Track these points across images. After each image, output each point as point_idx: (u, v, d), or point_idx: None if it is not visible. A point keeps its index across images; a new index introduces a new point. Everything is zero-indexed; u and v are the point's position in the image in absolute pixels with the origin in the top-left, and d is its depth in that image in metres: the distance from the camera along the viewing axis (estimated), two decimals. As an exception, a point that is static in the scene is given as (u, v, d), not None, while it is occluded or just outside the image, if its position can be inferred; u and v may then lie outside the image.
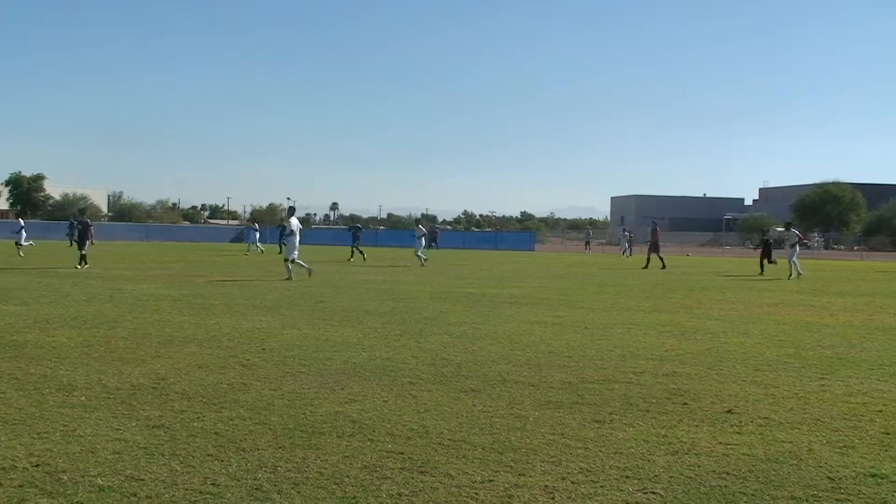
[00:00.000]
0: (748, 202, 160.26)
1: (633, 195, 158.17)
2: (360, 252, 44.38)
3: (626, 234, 67.59)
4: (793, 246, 33.88)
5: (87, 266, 29.80)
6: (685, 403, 8.49)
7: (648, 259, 41.43)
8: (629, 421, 7.67)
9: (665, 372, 10.29)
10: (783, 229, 36.22)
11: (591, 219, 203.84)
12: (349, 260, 42.33)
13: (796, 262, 33.88)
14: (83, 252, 30.52)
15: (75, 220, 40.17)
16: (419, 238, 40.25)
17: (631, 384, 9.43)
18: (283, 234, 41.41)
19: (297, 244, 26.28)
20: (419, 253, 39.34)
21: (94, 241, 32.20)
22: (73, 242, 42.75)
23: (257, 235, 56.19)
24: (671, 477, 5.99)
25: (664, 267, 40.00)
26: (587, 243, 79.75)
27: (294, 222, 26.72)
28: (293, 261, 26.12)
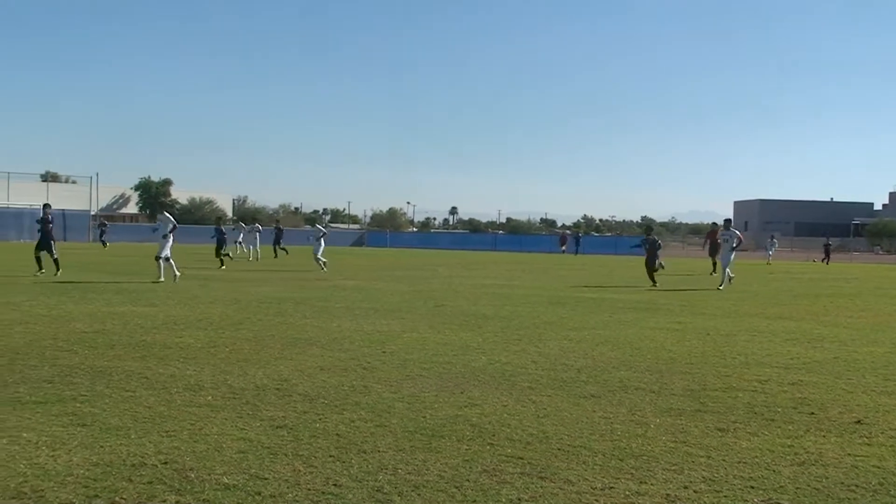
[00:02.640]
0: (878, 206, 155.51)
1: (756, 199, 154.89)
2: (284, 250, 43.42)
3: (774, 241, 66.43)
4: (732, 249, 28.22)
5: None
6: (812, 413, 8.28)
7: (716, 263, 36.37)
8: (753, 430, 7.51)
9: (791, 380, 10.05)
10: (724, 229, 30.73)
11: (713, 223, 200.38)
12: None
13: (729, 270, 28.52)
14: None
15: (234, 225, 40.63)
16: (318, 239, 35.83)
17: (755, 392, 9.23)
18: (277, 237, 41.48)
19: (168, 243, 24.84)
20: (319, 256, 34.70)
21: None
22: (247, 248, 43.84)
23: (258, 237, 51.23)
24: (797, 488, 5.84)
25: (714, 272, 35.84)
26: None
27: (167, 218, 25.70)
28: (166, 258, 24.66)
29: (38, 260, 25.94)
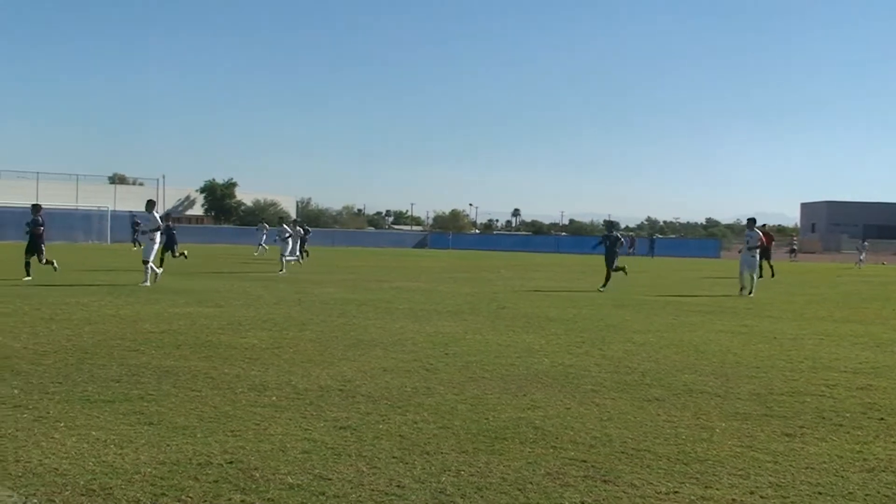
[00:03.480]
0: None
1: (823, 201, 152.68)
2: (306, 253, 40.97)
3: (865, 244, 65.99)
4: (751, 249, 25.25)
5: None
6: (882, 419, 8.13)
7: (770, 267, 35.39)
8: (821, 435, 7.39)
9: (859, 385, 9.88)
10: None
11: (779, 226, 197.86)
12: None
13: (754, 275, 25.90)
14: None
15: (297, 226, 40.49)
16: (284, 240, 34.44)
17: (823, 397, 9.09)
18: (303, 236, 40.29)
19: (155, 246, 23.80)
20: (286, 255, 33.50)
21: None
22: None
23: (264, 237, 52.18)
24: (867, 495, 5.74)
25: (773, 275, 35.13)
26: (792, 251, 77.01)
27: (151, 217, 23.91)
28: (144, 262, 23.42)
29: (28, 265, 23.84)
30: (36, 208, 24.89)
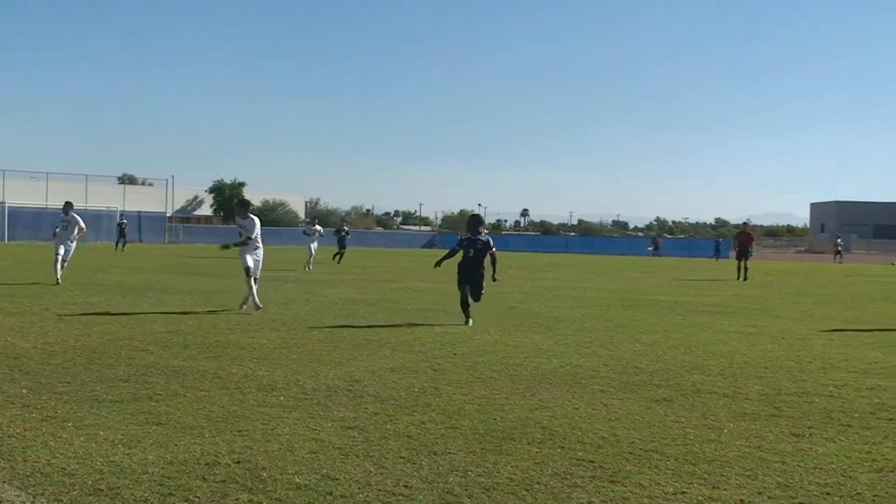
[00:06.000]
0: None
1: (833, 201, 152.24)
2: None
3: (840, 241, 66.89)
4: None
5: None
6: (891, 419, 8.11)
7: (741, 268, 33.97)
8: (830, 436, 7.38)
9: (868, 386, 9.85)
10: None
11: (788, 226, 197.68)
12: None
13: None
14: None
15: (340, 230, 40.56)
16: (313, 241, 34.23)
17: (832, 397, 9.07)
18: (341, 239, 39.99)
19: (74, 247, 22.69)
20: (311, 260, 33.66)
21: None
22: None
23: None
24: (875, 496, 5.72)
25: (745, 278, 33.14)
26: (838, 252, 72.27)
27: (72, 218, 22.67)
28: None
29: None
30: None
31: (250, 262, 16.69)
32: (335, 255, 39.22)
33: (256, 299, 16.68)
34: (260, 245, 17.08)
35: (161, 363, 10.10)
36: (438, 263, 16.39)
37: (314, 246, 34.32)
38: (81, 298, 17.94)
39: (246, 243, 16.76)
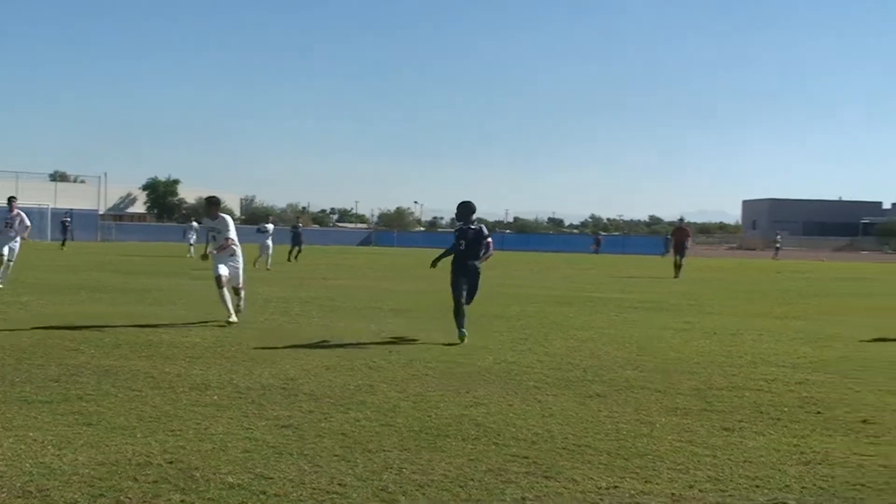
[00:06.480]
0: (886, 206, 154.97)
1: (766, 199, 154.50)
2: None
3: (779, 237, 68.44)
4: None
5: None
6: (818, 412, 8.26)
7: (678, 265, 33.89)
8: (759, 429, 7.50)
9: (797, 380, 10.03)
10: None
11: (721, 223, 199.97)
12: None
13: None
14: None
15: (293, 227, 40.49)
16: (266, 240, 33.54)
17: (761, 392, 9.22)
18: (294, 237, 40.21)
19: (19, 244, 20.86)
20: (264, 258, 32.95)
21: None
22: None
23: (193, 236, 46.51)
24: (803, 487, 5.83)
25: (676, 275, 33.13)
26: (777, 249, 72.65)
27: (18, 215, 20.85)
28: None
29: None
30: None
31: (223, 271, 14.46)
32: (291, 253, 39.61)
33: (231, 310, 14.37)
34: (238, 248, 14.87)
35: (92, 363, 9.96)
36: (435, 262, 14.43)
37: (269, 244, 33.87)
38: (11, 297, 17.61)
39: (224, 247, 14.64)
